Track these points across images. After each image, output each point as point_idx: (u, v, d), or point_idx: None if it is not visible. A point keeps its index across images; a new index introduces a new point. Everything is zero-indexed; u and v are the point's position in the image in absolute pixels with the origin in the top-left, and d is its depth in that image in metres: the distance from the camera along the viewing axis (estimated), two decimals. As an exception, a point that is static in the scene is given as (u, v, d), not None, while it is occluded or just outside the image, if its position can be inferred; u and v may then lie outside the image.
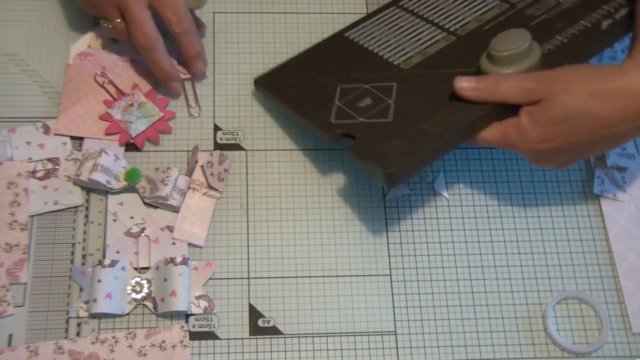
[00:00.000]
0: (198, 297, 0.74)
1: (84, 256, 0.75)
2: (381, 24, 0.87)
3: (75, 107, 0.80)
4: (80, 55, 0.83)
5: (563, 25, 0.81)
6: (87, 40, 0.84)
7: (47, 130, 0.79)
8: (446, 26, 0.85)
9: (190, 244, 0.76)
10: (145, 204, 0.77)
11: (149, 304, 0.73)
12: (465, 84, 0.73)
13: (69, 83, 0.81)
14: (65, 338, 0.71)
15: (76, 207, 0.77)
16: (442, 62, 0.81)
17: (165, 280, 0.72)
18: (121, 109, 0.80)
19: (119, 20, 0.77)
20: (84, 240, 0.76)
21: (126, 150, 0.79)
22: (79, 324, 0.72)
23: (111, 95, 0.81)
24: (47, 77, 0.82)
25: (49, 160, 0.78)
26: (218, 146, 0.81)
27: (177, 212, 0.77)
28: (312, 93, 0.82)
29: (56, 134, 0.79)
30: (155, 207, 0.77)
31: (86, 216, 0.77)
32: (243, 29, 0.88)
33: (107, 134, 0.79)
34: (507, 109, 0.73)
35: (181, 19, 0.78)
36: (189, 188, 0.78)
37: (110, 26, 0.78)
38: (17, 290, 0.73)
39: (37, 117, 0.80)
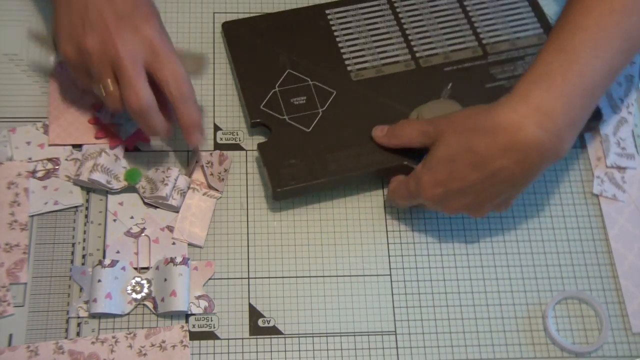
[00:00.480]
0: (198, 297, 0.74)
1: (84, 256, 0.75)
2: (362, 15, 0.87)
3: (64, 115, 0.80)
4: (60, 64, 0.83)
5: None
6: None
7: (47, 130, 0.79)
8: (415, 48, 0.85)
9: (190, 244, 0.76)
10: (145, 204, 0.77)
11: (149, 304, 0.73)
12: (379, 133, 0.77)
13: (54, 93, 0.81)
14: (65, 338, 0.71)
15: (76, 207, 0.77)
16: (388, 89, 0.82)
17: (165, 280, 0.72)
18: (110, 112, 0.80)
19: (110, 84, 0.70)
20: (84, 240, 0.76)
21: (126, 150, 0.79)
22: (79, 324, 0.72)
23: (98, 99, 0.81)
24: (47, 78, 0.82)
25: (49, 160, 0.78)
26: (218, 146, 0.81)
27: (177, 212, 0.77)
28: (261, 65, 0.83)
29: (50, 145, 0.79)
30: (155, 207, 0.77)
31: (86, 216, 0.77)
32: (243, 29, 0.88)
33: (96, 138, 0.79)
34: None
35: (180, 83, 0.71)
36: (189, 188, 0.78)
37: (104, 93, 0.71)
38: (17, 290, 0.73)
39: (37, 117, 0.80)
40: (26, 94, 0.82)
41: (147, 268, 0.74)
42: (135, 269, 0.74)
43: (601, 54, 0.68)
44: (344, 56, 0.84)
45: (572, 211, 0.81)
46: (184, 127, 0.73)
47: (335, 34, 0.85)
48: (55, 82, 0.81)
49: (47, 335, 0.72)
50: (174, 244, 0.76)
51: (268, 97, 0.81)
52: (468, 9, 0.87)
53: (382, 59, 0.84)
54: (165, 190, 0.75)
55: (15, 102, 0.81)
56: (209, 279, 0.75)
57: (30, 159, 0.78)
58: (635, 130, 0.84)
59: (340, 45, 0.85)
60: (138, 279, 0.73)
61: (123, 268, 0.73)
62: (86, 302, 0.72)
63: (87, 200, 0.77)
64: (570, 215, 0.80)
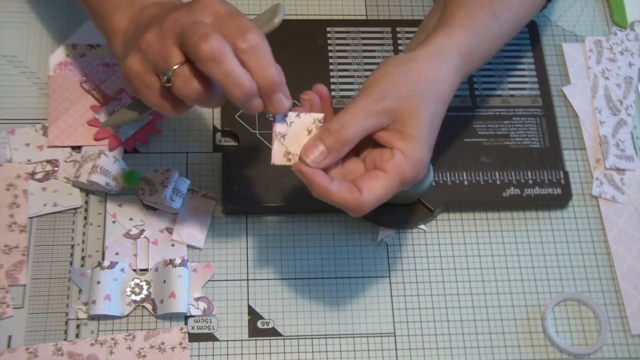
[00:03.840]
0: (197, 299, 0.74)
1: (83, 258, 0.75)
2: (362, 40, 0.85)
3: (64, 117, 0.80)
4: (59, 65, 0.83)
5: (485, 163, 0.79)
6: (65, 50, 0.84)
7: (46, 131, 0.79)
8: None
9: (189, 246, 0.76)
10: (145, 205, 0.77)
11: (148, 306, 0.73)
12: (317, 154, 0.61)
13: (53, 94, 0.81)
14: (65, 340, 0.71)
15: (75, 208, 0.77)
16: None
17: (165, 281, 0.72)
18: (109, 114, 0.80)
19: (177, 57, 0.59)
20: (83, 242, 0.76)
21: (125, 151, 0.79)
22: (78, 326, 0.72)
23: (98, 101, 0.81)
24: (46, 79, 0.82)
25: (48, 162, 0.78)
26: (217, 148, 0.81)
27: (176, 213, 0.77)
28: None
29: (49, 146, 0.79)
30: (155, 209, 0.77)
31: (85, 218, 0.77)
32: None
33: (95, 140, 0.79)
34: None
35: (246, 31, 0.58)
36: (187, 190, 0.78)
37: (176, 79, 0.59)
38: (17, 292, 0.73)
39: (37, 119, 0.80)
40: (25, 96, 0.82)
41: (146, 270, 0.74)
42: (135, 270, 0.74)
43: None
44: (332, 80, 0.82)
45: (571, 213, 0.81)
46: (261, 87, 0.60)
47: (330, 54, 0.84)
48: (55, 84, 0.81)
49: (46, 337, 0.72)
50: (173, 245, 0.76)
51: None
52: None
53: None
54: (164, 192, 0.75)
55: (15, 103, 0.81)
56: (208, 280, 0.75)
57: (29, 160, 0.78)
58: (634, 132, 0.84)
59: (331, 67, 0.83)
60: (137, 281, 0.73)
61: (122, 270, 0.73)
62: (85, 304, 0.72)
63: (87, 202, 0.77)
64: (569, 217, 0.80)
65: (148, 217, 0.77)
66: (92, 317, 0.72)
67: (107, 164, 0.76)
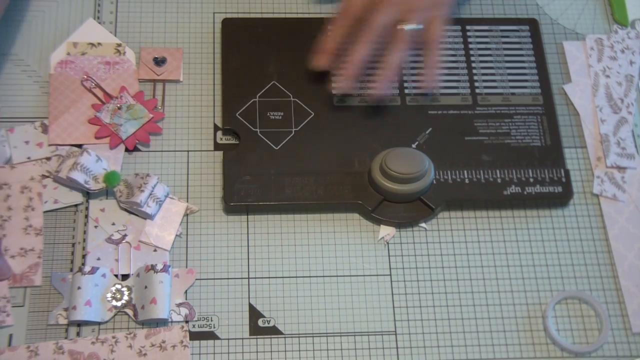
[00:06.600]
0: (179, 305, 0.73)
1: (84, 256, 0.75)
2: None
3: (64, 115, 0.80)
4: (60, 63, 0.83)
5: (485, 161, 0.79)
6: (66, 48, 0.84)
7: (45, 129, 0.79)
8: (406, 84, 0.82)
9: (158, 247, 0.75)
10: (127, 210, 0.77)
11: (129, 312, 0.72)
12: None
13: (54, 93, 0.81)
14: (65, 338, 0.72)
15: (76, 205, 0.77)
16: (366, 121, 0.80)
17: (146, 287, 0.72)
18: (110, 112, 0.80)
19: None
20: (84, 240, 0.76)
21: (126, 150, 0.79)
22: (78, 324, 0.72)
23: (99, 99, 0.81)
24: (46, 77, 0.82)
25: (48, 159, 0.78)
26: (218, 146, 0.81)
27: (152, 219, 0.76)
28: (249, 70, 0.81)
29: (50, 145, 0.79)
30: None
31: (86, 216, 0.77)
32: (243, 29, 0.88)
33: (96, 138, 0.79)
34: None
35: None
36: (166, 197, 0.77)
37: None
38: (18, 291, 0.73)
39: (37, 117, 0.80)
40: (26, 94, 0.82)
41: (128, 275, 0.74)
42: (116, 276, 0.74)
43: None
44: (332, 77, 0.82)
45: (572, 211, 0.81)
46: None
47: None
48: (56, 82, 0.81)
49: (47, 336, 0.72)
50: (155, 250, 0.75)
51: (246, 105, 0.80)
52: (471, 52, 0.85)
53: (368, 88, 0.81)
54: (140, 197, 0.74)
55: (15, 102, 0.81)
56: (191, 285, 0.74)
57: (28, 158, 0.78)
58: (635, 130, 0.84)
59: None
60: (118, 286, 0.73)
61: (103, 275, 0.73)
62: (66, 309, 0.72)
63: (87, 200, 0.77)
64: (570, 215, 0.80)
65: (130, 222, 0.76)
66: (72, 323, 0.72)
67: (89, 162, 0.75)
